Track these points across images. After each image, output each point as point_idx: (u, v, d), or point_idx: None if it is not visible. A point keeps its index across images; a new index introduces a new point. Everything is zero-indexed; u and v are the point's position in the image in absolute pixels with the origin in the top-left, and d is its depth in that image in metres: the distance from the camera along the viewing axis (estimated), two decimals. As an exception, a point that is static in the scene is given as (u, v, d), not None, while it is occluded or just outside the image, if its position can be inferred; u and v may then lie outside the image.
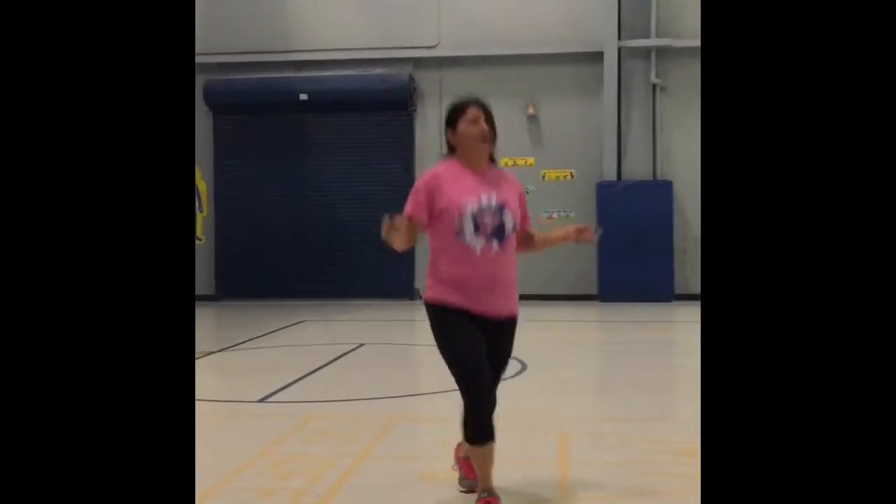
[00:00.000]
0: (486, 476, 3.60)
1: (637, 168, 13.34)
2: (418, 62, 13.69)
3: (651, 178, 13.30)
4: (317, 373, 7.31)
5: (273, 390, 6.44)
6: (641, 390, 6.56)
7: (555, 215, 13.16)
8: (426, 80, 13.70)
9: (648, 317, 11.44)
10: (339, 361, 7.95)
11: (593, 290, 13.24)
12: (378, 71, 13.70)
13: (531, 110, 13.45)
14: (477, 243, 3.47)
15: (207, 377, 6.91)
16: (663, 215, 12.98)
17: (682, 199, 13.32)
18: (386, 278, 13.71)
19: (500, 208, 3.52)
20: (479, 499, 3.61)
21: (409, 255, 13.83)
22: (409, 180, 13.41)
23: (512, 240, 3.58)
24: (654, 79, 13.26)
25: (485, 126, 3.56)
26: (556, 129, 13.52)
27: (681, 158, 13.35)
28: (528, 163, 13.54)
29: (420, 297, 13.58)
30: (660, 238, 12.92)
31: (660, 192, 13.09)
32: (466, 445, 3.72)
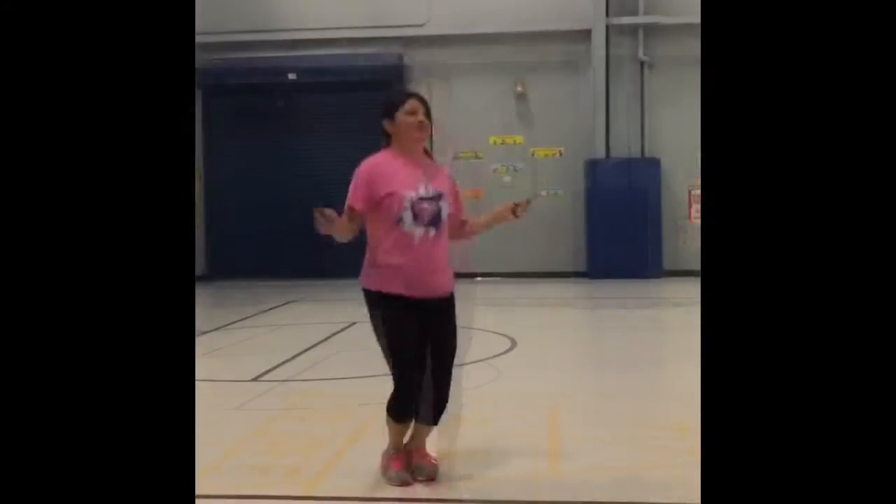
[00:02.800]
0: (396, 441, 3.84)
1: (625, 145, 13.38)
2: (407, 41, 13.66)
3: (640, 156, 13.34)
4: (310, 351, 7.36)
5: (266, 369, 6.49)
6: (631, 366, 6.63)
7: (543, 193, 13.16)
8: (415, 60, 13.68)
9: (638, 293, 11.52)
10: (331, 340, 8.00)
11: (583, 268, 13.30)
12: (367, 50, 13.67)
13: (520, 88, 13.45)
14: (416, 231, 3.63)
15: (200, 357, 6.94)
16: (652, 192, 13.03)
17: (670, 175, 13.38)
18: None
19: (437, 196, 3.70)
20: (387, 455, 3.84)
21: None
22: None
23: (446, 226, 3.76)
24: (642, 56, 13.28)
25: (422, 118, 3.72)
26: (545, 106, 13.53)
27: (669, 135, 13.39)
28: (516, 141, 13.57)
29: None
30: (648, 215, 12.98)
31: (648, 168, 13.14)
32: (414, 435, 3.88)
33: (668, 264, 13.19)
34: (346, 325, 8.91)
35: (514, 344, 7.20)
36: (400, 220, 3.62)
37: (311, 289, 12.53)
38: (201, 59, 13.65)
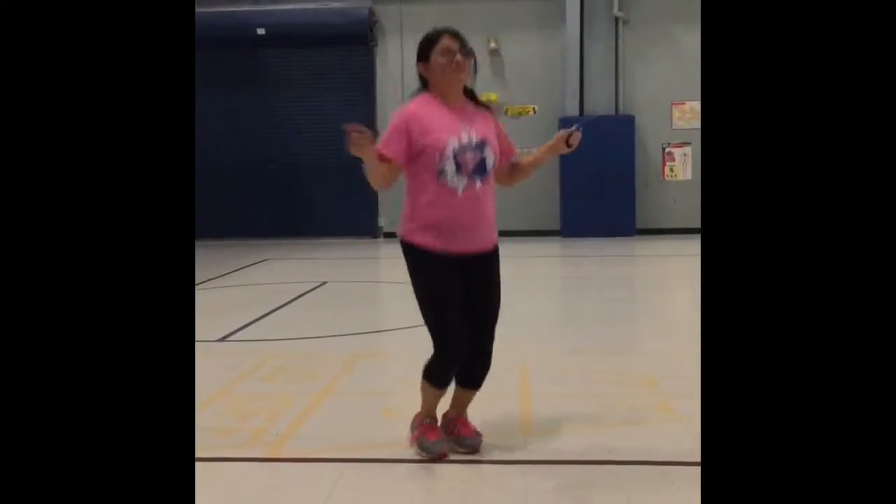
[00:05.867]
0: (431, 408, 3.62)
1: (599, 102, 13.27)
2: (378, -5, 13.42)
3: (613, 113, 13.24)
4: (279, 311, 7.27)
5: (233, 329, 6.40)
6: (602, 323, 6.60)
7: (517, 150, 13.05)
8: (386, 14, 13.44)
9: (610, 251, 11.51)
10: (301, 299, 7.91)
11: (556, 226, 13.26)
12: (337, 4, 13.41)
13: (493, 45, 13.28)
14: (459, 183, 3.35)
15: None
16: (625, 150, 12.97)
17: (644, 133, 13.31)
18: (348, 216, 13.62)
19: (481, 144, 3.41)
20: (420, 424, 3.60)
21: (371, 192, 13.70)
22: (369, 117, 13.25)
23: (492, 176, 3.49)
24: (616, 12, 13.13)
25: (460, 57, 3.41)
26: (518, 63, 13.38)
27: (643, 93, 13.30)
28: (490, 98, 13.40)
29: (383, 234, 13.54)
30: (622, 173, 12.93)
31: (622, 126, 13.05)
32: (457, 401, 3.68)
33: (640, 223, 13.18)
34: (318, 284, 8.83)
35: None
36: (442, 173, 3.33)
37: (282, 248, 12.41)
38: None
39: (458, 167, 3.34)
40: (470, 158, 3.36)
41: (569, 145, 3.64)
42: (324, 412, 4.26)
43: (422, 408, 3.63)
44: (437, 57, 3.41)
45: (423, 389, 3.58)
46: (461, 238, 3.40)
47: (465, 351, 3.45)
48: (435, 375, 3.50)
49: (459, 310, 3.41)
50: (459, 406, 3.69)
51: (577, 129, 3.61)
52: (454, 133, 3.36)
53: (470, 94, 3.57)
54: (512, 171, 3.70)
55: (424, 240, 3.40)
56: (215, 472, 3.39)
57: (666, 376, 4.77)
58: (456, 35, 3.47)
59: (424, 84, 3.51)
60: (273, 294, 8.26)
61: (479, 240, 3.46)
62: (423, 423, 3.60)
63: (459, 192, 3.36)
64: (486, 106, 3.62)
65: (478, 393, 3.66)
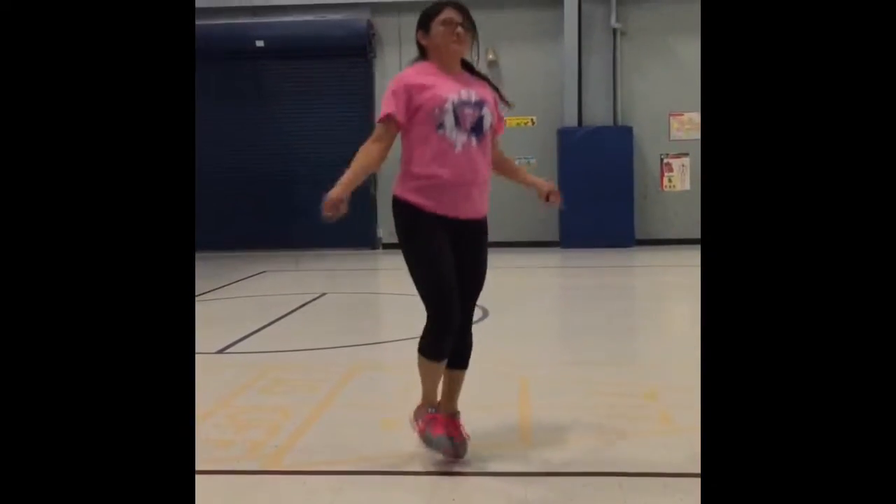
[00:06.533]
0: (430, 391, 3.58)
1: (598, 114, 13.30)
2: (376, 7, 13.45)
3: (612, 124, 13.26)
4: (278, 323, 7.26)
5: (232, 341, 6.38)
6: (602, 334, 6.59)
7: (516, 162, 13.07)
8: (385, 26, 13.48)
9: (609, 262, 11.50)
10: (300, 311, 7.90)
11: (555, 237, 13.26)
12: (335, 17, 13.45)
13: (491, 56, 13.31)
14: (457, 137, 3.35)
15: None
16: (624, 161, 12.98)
17: (643, 144, 13.33)
18: (347, 227, 13.58)
19: (480, 103, 3.42)
20: (423, 414, 3.57)
21: (371, 204, 13.71)
22: (367, 128, 13.23)
23: (489, 138, 3.49)
24: (614, 23, 13.17)
25: (461, 30, 3.43)
26: (517, 75, 13.40)
27: (641, 104, 13.33)
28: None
29: (381, 246, 13.53)
30: (620, 183, 12.94)
31: (620, 137, 13.07)
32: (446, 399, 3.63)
33: (639, 233, 13.18)
34: (317, 295, 8.82)
35: (485, 313, 7.13)
36: (440, 126, 3.32)
37: (281, 259, 12.41)
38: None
39: (457, 121, 3.35)
40: (468, 114, 3.37)
41: (547, 199, 3.76)
42: (323, 424, 4.24)
43: (422, 393, 3.60)
44: (437, 26, 3.44)
45: (419, 367, 3.53)
46: (455, 200, 3.38)
47: (458, 316, 3.40)
48: (430, 345, 3.43)
49: (453, 272, 3.38)
50: (450, 393, 3.64)
51: (563, 199, 3.85)
52: (453, 90, 3.38)
53: (468, 67, 3.58)
54: (499, 162, 3.68)
55: (419, 199, 3.38)
56: (214, 484, 3.38)
57: (666, 387, 4.76)
58: (459, 8, 3.48)
59: (422, 54, 3.53)
60: (272, 306, 8.26)
61: (473, 203, 3.44)
62: (425, 413, 3.57)
63: (457, 147, 3.35)
64: (484, 77, 3.64)
65: (477, 402, 3.64)
